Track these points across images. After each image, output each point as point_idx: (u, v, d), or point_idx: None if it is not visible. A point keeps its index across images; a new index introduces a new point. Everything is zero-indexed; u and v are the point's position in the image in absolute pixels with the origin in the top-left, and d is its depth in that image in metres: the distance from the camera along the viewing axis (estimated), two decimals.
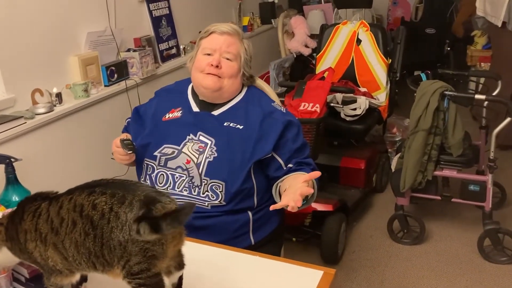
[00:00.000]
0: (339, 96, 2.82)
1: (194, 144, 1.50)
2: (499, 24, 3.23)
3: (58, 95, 2.06)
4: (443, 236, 2.67)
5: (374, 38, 3.04)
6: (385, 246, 2.61)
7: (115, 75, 2.38)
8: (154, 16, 2.73)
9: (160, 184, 1.50)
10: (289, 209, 1.23)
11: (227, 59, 1.54)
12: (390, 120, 3.40)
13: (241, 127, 1.52)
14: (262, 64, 3.84)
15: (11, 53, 1.90)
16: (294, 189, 1.28)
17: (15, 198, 1.58)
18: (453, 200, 2.51)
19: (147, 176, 1.53)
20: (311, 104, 2.40)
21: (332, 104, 2.71)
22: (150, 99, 1.70)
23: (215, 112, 1.57)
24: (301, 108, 2.40)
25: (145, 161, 1.54)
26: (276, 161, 1.52)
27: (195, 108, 1.59)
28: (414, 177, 2.43)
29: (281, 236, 1.73)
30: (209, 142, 1.50)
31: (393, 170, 2.67)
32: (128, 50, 2.51)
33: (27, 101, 1.99)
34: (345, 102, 2.83)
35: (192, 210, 0.88)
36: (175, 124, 1.56)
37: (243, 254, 1.25)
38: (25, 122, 1.87)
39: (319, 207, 2.45)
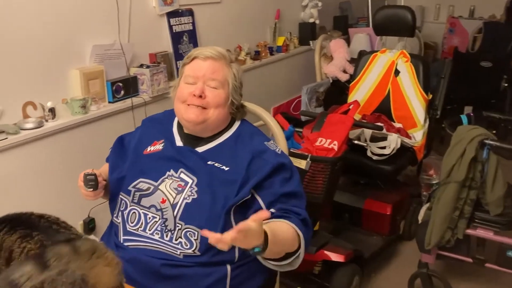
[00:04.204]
0: (367, 132, 2.55)
1: (173, 181, 1.33)
2: None
3: (52, 110, 1.93)
4: None
5: (414, 71, 2.74)
6: None
7: (122, 92, 2.24)
8: (174, 31, 2.58)
9: (132, 223, 1.33)
10: (211, 241, 1.03)
11: (213, 87, 1.37)
12: (428, 160, 3.07)
13: (226, 168, 1.34)
14: (295, 87, 3.62)
15: (2, 62, 1.79)
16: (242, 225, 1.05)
17: None
18: (487, 265, 2.17)
19: (119, 213, 1.37)
20: (328, 141, 2.15)
21: (356, 142, 2.45)
22: (136, 128, 1.56)
23: (200, 149, 1.39)
24: (317, 143, 2.15)
25: (120, 196, 1.38)
26: (256, 202, 1.31)
27: (179, 142, 1.42)
28: (441, 233, 2.12)
29: None
30: (190, 182, 1.32)
31: (419, 221, 2.35)
32: (141, 65, 2.36)
33: (18, 115, 1.87)
34: (374, 139, 2.56)
35: None
36: (155, 158, 1.40)
37: None
38: (6, 138, 1.75)
39: (329, 256, 2.19)
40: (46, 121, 1.92)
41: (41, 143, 1.91)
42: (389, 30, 2.90)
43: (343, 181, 2.78)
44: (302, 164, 2.08)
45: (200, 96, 1.35)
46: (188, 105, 1.36)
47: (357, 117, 2.72)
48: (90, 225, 2.17)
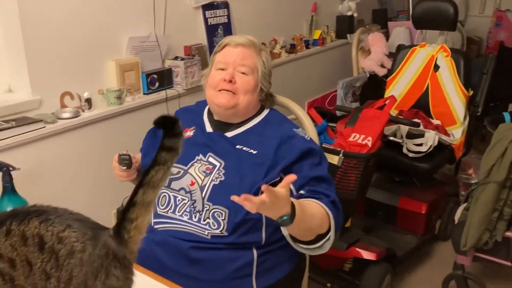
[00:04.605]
0: (404, 129, 2.48)
1: (201, 165, 1.36)
2: None
3: (88, 100, 1.97)
4: None
5: (454, 66, 2.65)
6: None
7: (156, 84, 2.27)
8: (209, 24, 2.58)
9: (162, 206, 1.36)
10: (240, 198, 1.02)
11: (242, 73, 1.39)
12: (467, 159, 2.97)
13: (254, 152, 1.36)
14: (330, 81, 3.56)
15: (43, 53, 1.84)
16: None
17: (9, 209, 1.50)
18: None
19: None
20: (362, 136, 2.10)
21: (391, 138, 2.39)
22: None
23: (229, 134, 1.42)
24: (351, 139, 2.11)
25: None
26: None
27: (209, 129, 1.46)
28: (479, 235, 2.03)
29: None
30: (218, 165, 1.35)
31: (455, 221, 2.28)
32: (176, 58, 2.38)
33: (56, 104, 1.92)
34: (411, 136, 2.49)
35: None
36: (186, 144, 1.40)
37: None
38: (44, 127, 1.80)
39: (360, 253, 2.15)
40: (83, 111, 1.96)
41: (77, 133, 1.95)
42: (430, 23, 2.81)
43: (377, 178, 2.73)
44: (334, 159, 2.04)
45: (230, 81, 1.38)
46: (219, 90, 1.39)
47: (394, 112, 2.66)
48: None
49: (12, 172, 1.50)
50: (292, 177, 1.10)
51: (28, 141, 1.77)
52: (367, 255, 2.15)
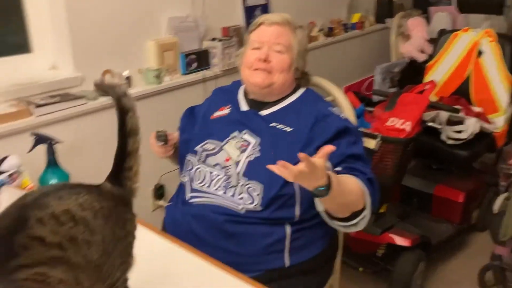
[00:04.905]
0: (443, 115, 2.42)
1: (237, 142, 1.38)
2: None
3: (128, 78, 2.01)
4: None
5: (500, 51, 2.56)
6: None
7: (195, 64, 2.28)
8: (247, 5, 2.57)
9: (198, 181, 1.39)
10: (278, 166, 1.03)
11: (277, 51, 1.39)
12: (509, 148, 2.88)
13: (289, 129, 1.36)
14: (368, 66, 3.50)
15: (86, 32, 1.88)
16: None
17: (53, 181, 1.55)
18: None
19: (187, 173, 1.44)
20: (401, 121, 2.06)
21: (430, 124, 2.33)
22: (206, 99, 1.63)
23: (264, 112, 1.43)
24: (389, 123, 2.07)
25: (187, 157, 1.46)
26: None
27: (244, 107, 1.47)
28: None
29: (326, 268, 1.48)
30: (253, 142, 1.36)
31: (495, 211, 2.22)
32: (213, 39, 2.39)
33: None
34: (451, 122, 2.43)
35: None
36: (222, 122, 1.47)
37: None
38: (86, 103, 1.84)
39: (394, 239, 2.13)
40: None
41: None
42: (475, 7, 2.72)
43: (414, 165, 2.68)
44: (371, 144, 2.02)
45: (265, 60, 1.38)
46: (254, 70, 1.40)
47: (434, 99, 2.60)
48: (159, 191, 2.26)
49: (55, 146, 1.55)
50: (330, 147, 1.09)
51: (71, 116, 1.82)
52: (401, 241, 2.12)
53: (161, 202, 2.26)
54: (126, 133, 0.84)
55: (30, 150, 1.51)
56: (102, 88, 0.90)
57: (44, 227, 0.71)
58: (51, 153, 1.54)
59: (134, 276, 0.86)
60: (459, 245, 2.56)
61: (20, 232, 0.70)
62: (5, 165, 1.41)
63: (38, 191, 0.76)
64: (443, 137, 2.41)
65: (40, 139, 1.53)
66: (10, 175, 1.37)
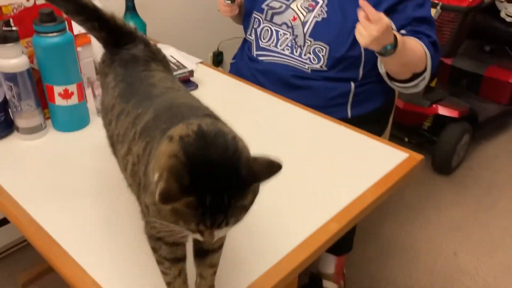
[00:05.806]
0: None
1: (304, 1, 1.40)
2: None
3: None
4: None
5: None
6: (509, 171, 2.30)
7: None
8: None
9: (264, 39, 1.45)
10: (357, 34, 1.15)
11: None
12: None
13: None
14: None
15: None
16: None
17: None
18: None
19: (253, 30, 1.49)
20: None
21: None
22: None
23: None
24: None
25: (253, 14, 1.49)
26: None
27: None
28: None
29: (383, 120, 1.58)
30: (321, 2, 1.38)
31: None
32: None
33: None
34: None
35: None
36: None
37: (334, 124, 1.18)
38: None
39: (443, 111, 2.20)
40: None
41: None
42: None
43: (465, 47, 2.66)
44: (431, 13, 2.01)
45: None
46: None
47: None
48: (218, 57, 2.35)
49: None
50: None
51: None
52: (449, 112, 2.20)
53: (219, 69, 2.36)
54: None
55: None
56: None
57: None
58: None
59: None
60: (504, 127, 2.61)
61: None
62: None
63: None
64: (502, 14, 2.37)
65: None
66: None
